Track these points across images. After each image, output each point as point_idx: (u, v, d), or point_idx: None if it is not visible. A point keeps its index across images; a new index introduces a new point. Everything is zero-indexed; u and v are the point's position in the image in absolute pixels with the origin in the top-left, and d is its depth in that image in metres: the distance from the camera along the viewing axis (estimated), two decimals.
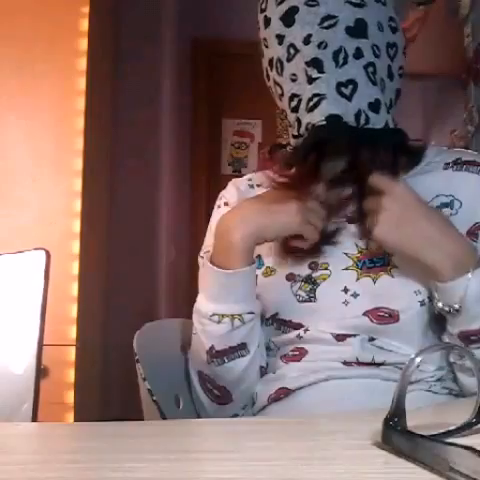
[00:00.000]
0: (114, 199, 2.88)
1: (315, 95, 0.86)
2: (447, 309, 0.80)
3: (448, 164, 0.93)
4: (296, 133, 0.90)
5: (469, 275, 0.77)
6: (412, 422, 0.44)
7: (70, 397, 2.23)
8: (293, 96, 0.90)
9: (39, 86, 2.33)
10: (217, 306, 0.87)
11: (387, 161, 0.90)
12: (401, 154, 0.92)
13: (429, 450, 0.40)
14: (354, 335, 0.87)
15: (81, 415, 2.23)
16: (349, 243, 0.91)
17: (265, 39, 0.93)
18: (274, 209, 0.87)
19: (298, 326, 0.90)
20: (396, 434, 0.43)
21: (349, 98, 0.85)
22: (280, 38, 0.89)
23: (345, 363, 0.87)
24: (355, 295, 0.88)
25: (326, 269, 0.91)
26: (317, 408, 0.85)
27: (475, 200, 0.89)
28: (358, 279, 0.89)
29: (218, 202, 1.07)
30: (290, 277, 0.92)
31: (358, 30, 0.86)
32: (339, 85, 0.85)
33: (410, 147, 0.93)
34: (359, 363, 0.86)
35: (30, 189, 2.29)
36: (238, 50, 3.22)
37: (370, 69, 0.87)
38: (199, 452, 0.47)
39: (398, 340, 0.86)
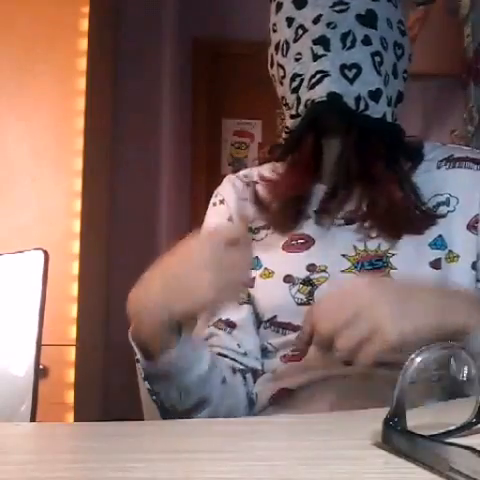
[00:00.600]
0: (114, 199, 2.87)
1: (318, 72, 0.86)
2: None
3: (441, 162, 0.93)
4: (294, 112, 0.90)
5: None
6: (412, 422, 0.44)
7: (70, 397, 2.23)
8: (295, 76, 0.90)
9: (39, 86, 2.33)
10: (156, 385, 0.79)
11: (379, 152, 0.89)
12: (399, 151, 0.91)
13: (429, 450, 0.40)
14: None
15: (81, 415, 2.23)
16: (347, 244, 0.90)
17: (274, 24, 0.93)
18: (181, 283, 0.72)
19: (297, 328, 0.90)
20: (396, 434, 0.43)
21: (351, 81, 0.85)
22: (290, 20, 0.89)
23: (345, 362, 0.87)
24: None
25: (324, 271, 0.90)
26: (317, 407, 0.85)
27: (470, 194, 0.89)
28: None
29: (213, 199, 1.05)
30: (288, 279, 0.91)
31: (368, 19, 0.87)
32: (343, 67, 0.85)
33: (408, 144, 0.93)
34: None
35: (30, 189, 2.29)
36: (238, 50, 3.22)
37: (377, 58, 0.87)
38: (199, 452, 0.47)
39: None
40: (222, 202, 1.03)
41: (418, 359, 0.46)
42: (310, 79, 0.86)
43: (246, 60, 3.19)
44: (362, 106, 0.85)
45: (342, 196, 0.92)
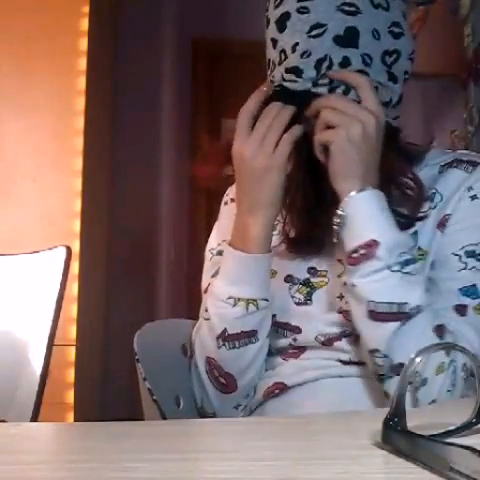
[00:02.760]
0: (114, 199, 2.87)
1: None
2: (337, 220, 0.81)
3: (443, 166, 0.92)
4: None
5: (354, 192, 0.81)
6: (412, 422, 0.44)
7: (70, 397, 2.24)
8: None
9: (39, 86, 2.33)
10: (234, 289, 0.88)
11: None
12: (394, 151, 0.90)
13: (429, 450, 0.40)
14: (339, 338, 0.87)
15: (81, 415, 2.23)
16: (342, 249, 0.91)
17: (265, 39, 0.92)
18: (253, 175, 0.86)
19: (296, 329, 0.91)
20: (396, 434, 0.43)
21: None
22: (274, 42, 0.88)
23: (342, 362, 0.88)
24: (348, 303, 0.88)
25: (325, 276, 0.91)
26: (314, 406, 0.85)
27: (452, 193, 0.88)
28: None
29: (225, 198, 1.06)
30: (288, 279, 0.92)
31: (347, 39, 0.84)
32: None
33: (407, 148, 0.93)
34: (355, 362, 0.87)
35: (30, 189, 2.29)
36: (238, 50, 3.22)
37: None
38: (199, 452, 0.47)
39: None
40: (233, 200, 1.03)
41: (418, 359, 0.46)
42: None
43: (246, 60, 3.19)
44: None
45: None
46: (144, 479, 0.40)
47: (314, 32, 0.84)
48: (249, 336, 0.89)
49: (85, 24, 2.39)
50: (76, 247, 2.30)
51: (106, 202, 2.81)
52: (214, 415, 0.92)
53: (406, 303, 0.79)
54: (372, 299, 0.80)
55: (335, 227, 0.82)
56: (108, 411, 2.62)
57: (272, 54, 0.89)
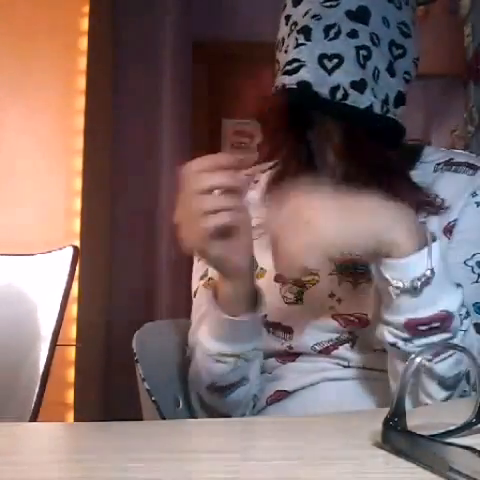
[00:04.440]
0: (114, 199, 2.87)
1: (295, 60, 0.85)
2: (406, 286, 0.69)
3: (439, 165, 0.92)
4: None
5: (426, 249, 0.69)
6: (412, 422, 0.44)
7: (70, 397, 2.23)
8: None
9: (39, 85, 2.33)
10: (222, 346, 0.83)
11: (365, 145, 0.88)
12: (390, 146, 0.90)
13: (429, 450, 0.40)
14: (336, 347, 0.87)
15: (81, 415, 2.23)
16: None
17: (280, 23, 0.93)
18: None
19: (288, 329, 0.90)
20: (396, 434, 0.43)
21: (330, 71, 0.83)
22: (287, 18, 0.90)
23: (341, 365, 0.87)
24: (340, 301, 0.88)
25: (316, 274, 0.90)
26: (315, 409, 0.85)
27: (455, 198, 0.87)
28: (340, 284, 0.89)
29: None
30: (279, 279, 0.91)
31: (359, 15, 0.86)
32: (322, 56, 0.84)
33: (404, 145, 0.92)
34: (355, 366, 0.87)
35: (30, 189, 2.29)
36: (238, 51, 3.22)
37: (363, 52, 0.85)
38: (199, 452, 0.47)
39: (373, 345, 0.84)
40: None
41: (418, 359, 0.46)
42: (285, 65, 0.86)
43: (246, 61, 3.20)
44: (339, 95, 0.83)
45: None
46: (144, 479, 0.40)
47: (328, 3, 0.86)
48: (238, 384, 0.86)
49: (85, 23, 2.39)
50: None
51: (106, 202, 2.81)
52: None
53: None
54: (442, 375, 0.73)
55: (410, 287, 0.70)
56: (108, 411, 2.62)
57: (284, 31, 0.90)
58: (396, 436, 0.43)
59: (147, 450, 0.47)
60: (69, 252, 1.06)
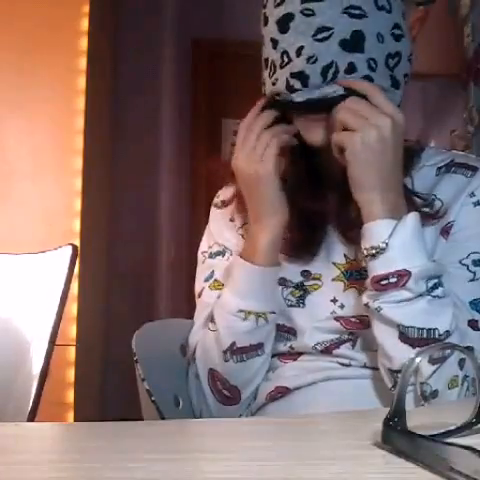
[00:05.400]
0: (114, 199, 2.87)
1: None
2: (372, 250, 0.80)
3: (441, 168, 0.91)
4: None
5: (393, 223, 0.79)
6: (412, 422, 0.44)
7: (70, 397, 2.23)
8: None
9: (39, 86, 2.32)
10: (243, 302, 0.87)
11: None
12: None
13: (429, 450, 0.40)
14: (337, 346, 0.88)
15: (81, 415, 2.23)
16: (337, 252, 0.91)
17: (263, 36, 0.91)
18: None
19: (290, 331, 0.91)
20: (396, 434, 0.43)
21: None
22: (274, 42, 0.86)
23: (342, 364, 0.88)
24: (342, 306, 0.89)
25: (319, 279, 0.91)
26: (316, 408, 0.85)
27: (454, 199, 0.87)
28: (345, 290, 0.89)
29: (215, 200, 1.05)
30: (281, 282, 0.92)
31: (354, 44, 0.82)
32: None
33: (405, 148, 0.92)
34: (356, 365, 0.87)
35: (30, 189, 2.29)
36: (238, 50, 3.22)
37: None
38: (199, 452, 0.47)
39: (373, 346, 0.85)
40: (223, 203, 1.02)
41: (418, 359, 0.46)
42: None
43: (246, 60, 3.19)
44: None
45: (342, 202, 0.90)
46: (144, 479, 0.40)
47: (320, 36, 0.82)
48: (256, 349, 0.89)
49: (85, 24, 2.39)
50: None
51: (106, 202, 2.81)
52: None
53: (436, 329, 0.77)
54: (401, 323, 0.78)
55: (371, 253, 0.80)
56: (108, 411, 2.62)
57: (272, 54, 0.87)
58: (396, 436, 0.43)
59: (147, 450, 0.47)
60: (68, 251, 1.06)
